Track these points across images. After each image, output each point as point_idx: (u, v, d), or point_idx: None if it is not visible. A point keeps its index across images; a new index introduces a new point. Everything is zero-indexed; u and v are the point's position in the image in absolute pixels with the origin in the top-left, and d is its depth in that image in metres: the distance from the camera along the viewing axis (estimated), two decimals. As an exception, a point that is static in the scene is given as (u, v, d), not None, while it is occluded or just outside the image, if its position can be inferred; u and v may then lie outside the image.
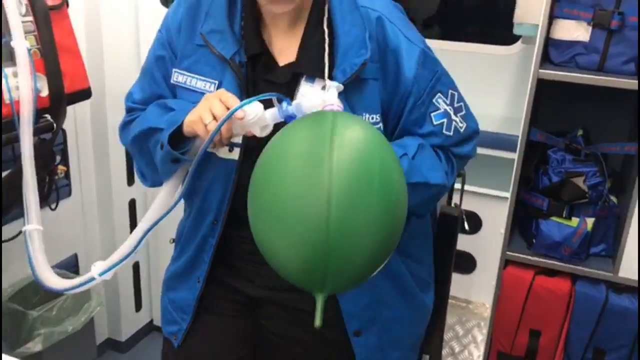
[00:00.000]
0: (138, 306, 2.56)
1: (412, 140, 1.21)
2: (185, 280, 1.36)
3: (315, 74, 1.14)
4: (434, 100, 1.20)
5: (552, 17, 1.71)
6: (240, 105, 1.04)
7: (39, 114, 1.53)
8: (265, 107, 1.07)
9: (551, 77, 1.71)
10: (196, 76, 1.21)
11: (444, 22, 3.29)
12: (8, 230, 1.82)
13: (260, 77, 1.19)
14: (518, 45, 2.18)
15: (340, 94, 1.11)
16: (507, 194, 1.86)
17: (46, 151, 1.60)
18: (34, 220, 1.38)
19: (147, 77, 1.30)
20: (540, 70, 1.70)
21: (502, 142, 2.08)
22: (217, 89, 1.17)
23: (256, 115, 1.05)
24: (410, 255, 1.33)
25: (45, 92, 1.55)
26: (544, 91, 1.76)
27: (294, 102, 1.07)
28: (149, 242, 2.48)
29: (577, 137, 1.89)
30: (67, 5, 1.65)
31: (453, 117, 1.23)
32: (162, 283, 1.46)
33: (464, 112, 1.26)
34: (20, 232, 1.75)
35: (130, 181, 2.34)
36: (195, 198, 1.29)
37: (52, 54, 1.55)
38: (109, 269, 1.25)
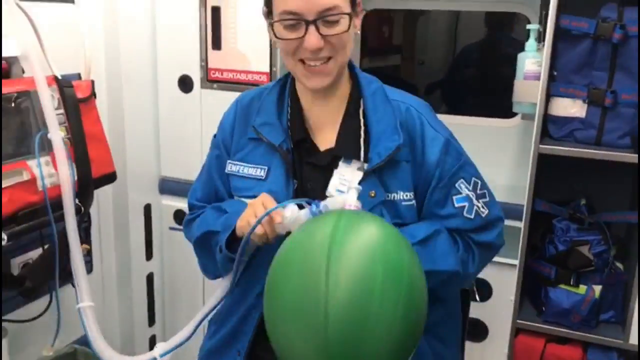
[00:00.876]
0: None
1: (425, 225, 1.29)
2: (223, 355, 1.40)
3: (352, 156, 1.28)
4: (456, 185, 1.31)
5: (549, 96, 1.82)
6: (275, 207, 1.18)
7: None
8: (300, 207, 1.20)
9: (551, 152, 1.80)
10: (247, 164, 1.36)
11: (446, 94, 3.44)
12: (28, 309, 1.87)
13: (304, 160, 1.33)
14: (517, 119, 2.28)
15: (375, 175, 1.25)
16: (515, 261, 1.92)
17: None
18: (85, 298, 1.48)
19: (205, 176, 1.47)
20: (541, 146, 1.79)
21: (508, 211, 2.13)
22: (267, 173, 1.32)
23: (292, 216, 1.18)
24: (435, 334, 1.37)
25: (74, 178, 1.65)
26: (545, 163, 1.85)
27: (322, 203, 1.17)
28: (166, 319, 2.53)
29: (580, 207, 1.96)
30: (95, 97, 1.78)
31: (475, 202, 1.32)
32: None
33: (487, 199, 1.35)
34: (46, 309, 1.85)
35: (149, 256, 2.42)
36: (244, 270, 1.36)
37: (81, 142, 1.66)
38: (170, 350, 1.33)
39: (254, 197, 1.29)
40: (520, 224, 1.89)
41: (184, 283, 2.46)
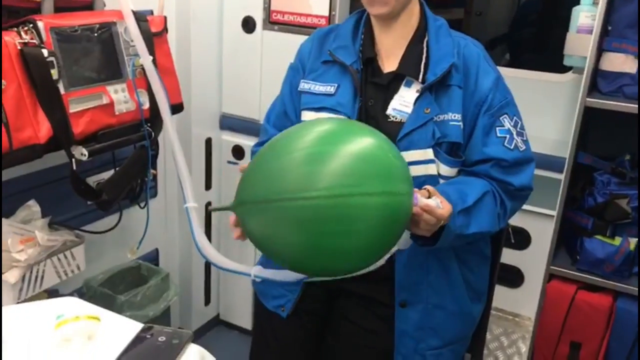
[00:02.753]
0: (207, 300, 2.81)
1: (475, 187, 1.41)
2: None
3: (412, 75, 1.43)
4: (500, 118, 1.44)
5: (600, 50, 1.85)
6: None
7: (141, 124, 1.79)
8: None
9: (597, 105, 1.84)
10: (319, 83, 1.51)
11: (506, 49, 3.44)
12: (102, 223, 2.09)
13: (369, 80, 1.48)
14: (570, 74, 2.30)
15: (430, 94, 1.41)
16: (554, 212, 1.99)
17: (146, 156, 1.86)
18: (190, 200, 1.65)
19: (279, 100, 1.63)
20: (588, 99, 1.84)
21: (552, 163, 2.20)
22: (336, 89, 1.48)
23: None
24: (466, 262, 1.52)
25: (146, 106, 1.81)
26: (593, 117, 1.89)
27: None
28: (220, 241, 2.73)
29: (624, 162, 2.00)
30: (167, 31, 1.92)
31: (515, 136, 1.45)
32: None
33: (525, 138, 1.49)
34: (116, 224, 2.05)
35: (208, 186, 2.61)
36: None
37: (154, 73, 1.81)
38: (262, 279, 1.44)
39: (321, 108, 1.47)
40: (562, 176, 1.95)
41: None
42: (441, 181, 1.44)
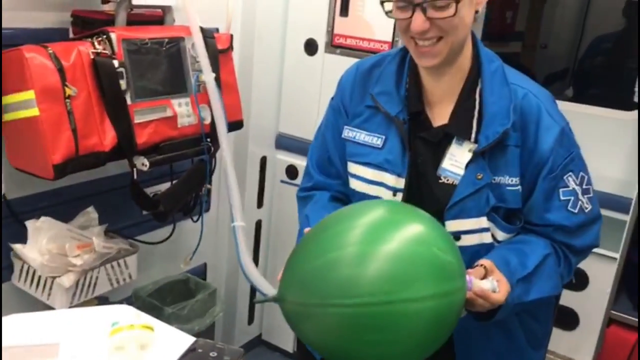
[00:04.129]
0: (251, 319, 2.80)
1: (536, 251, 1.30)
2: None
3: (464, 136, 1.30)
4: (564, 178, 1.30)
5: (675, 89, 1.78)
6: None
7: (202, 138, 1.82)
8: None
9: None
10: (364, 132, 1.39)
11: (571, 82, 3.36)
12: (155, 234, 2.11)
13: (417, 133, 1.35)
14: (637, 112, 2.23)
15: (483, 159, 1.27)
16: (617, 255, 1.91)
17: (204, 170, 1.87)
18: (238, 218, 1.68)
19: (321, 139, 1.54)
20: (658, 139, 1.77)
21: (616, 203, 2.12)
22: (384, 142, 1.36)
23: None
24: (528, 311, 1.40)
25: (208, 120, 1.83)
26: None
27: None
28: (267, 261, 2.73)
29: (694, 206, 1.91)
30: (232, 49, 1.95)
31: (580, 197, 1.32)
32: None
33: (591, 195, 1.35)
34: (169, 236, 2.07)
35: (260, 204, 2.62)
36: None
37: (217, 89, 1.83)
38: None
39: (369, 164, 1.36)
40: (627, 217, 1.88)
41: (287, 234, 2.64)
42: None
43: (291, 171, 2.59)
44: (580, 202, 1.31)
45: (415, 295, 1.00)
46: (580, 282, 2.33)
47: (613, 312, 1.93)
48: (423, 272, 1.02)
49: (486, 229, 1.30)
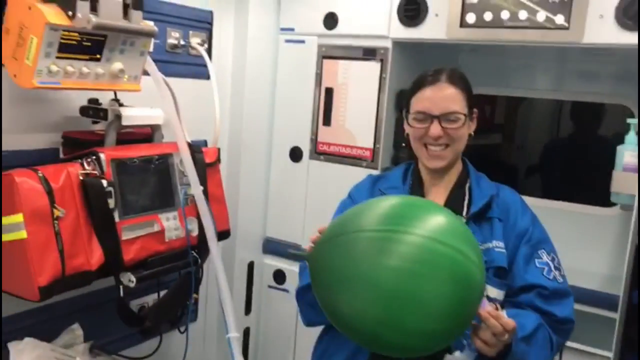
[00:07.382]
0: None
1: (531, 318, 1.47)
2: None
3: (457, 211, 1.54)
4: (539, 252, 1.55)
5: (649, 188, 1.84)
6: None
7: (188, 251, 1.83)
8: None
9: (650, 246, 1.80)
10: None
11: (544, 178, 3.44)
12: (142, 347, 2.06)
13: None
14: (617, 209, 2.28)
15: (475, 225, 1.53)
16: (610, 354, 1.89)
17: (190, 282, 1.87)
18: (233, 330, 1.72)
19: None
20: None
21: (603, 300, 2.13)
22: None
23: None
24: None
25: (195, 233, 1.85)
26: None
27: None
28: (261, 312, 2.65)
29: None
30: (219, 162, 2.00)
31: (553, 269, 1.55)
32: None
33: (562, 273, 1.57)
34: (156, 349, 2.03)
35: (247, 311, 2.58)
36: None
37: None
38: None
39: None
40: (616, 315, 1.88)
41: (277, 341, 2.60)
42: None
43: (279, 276, 2.59)
44: (553, 273, 1.54)
45: (442, 239, 1.19)
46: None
47: (611, 415, 1.88)
48: (452, 229, 1.24)
49: None
